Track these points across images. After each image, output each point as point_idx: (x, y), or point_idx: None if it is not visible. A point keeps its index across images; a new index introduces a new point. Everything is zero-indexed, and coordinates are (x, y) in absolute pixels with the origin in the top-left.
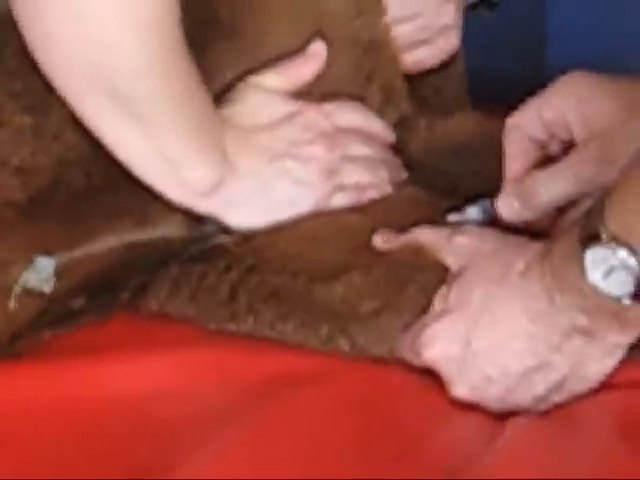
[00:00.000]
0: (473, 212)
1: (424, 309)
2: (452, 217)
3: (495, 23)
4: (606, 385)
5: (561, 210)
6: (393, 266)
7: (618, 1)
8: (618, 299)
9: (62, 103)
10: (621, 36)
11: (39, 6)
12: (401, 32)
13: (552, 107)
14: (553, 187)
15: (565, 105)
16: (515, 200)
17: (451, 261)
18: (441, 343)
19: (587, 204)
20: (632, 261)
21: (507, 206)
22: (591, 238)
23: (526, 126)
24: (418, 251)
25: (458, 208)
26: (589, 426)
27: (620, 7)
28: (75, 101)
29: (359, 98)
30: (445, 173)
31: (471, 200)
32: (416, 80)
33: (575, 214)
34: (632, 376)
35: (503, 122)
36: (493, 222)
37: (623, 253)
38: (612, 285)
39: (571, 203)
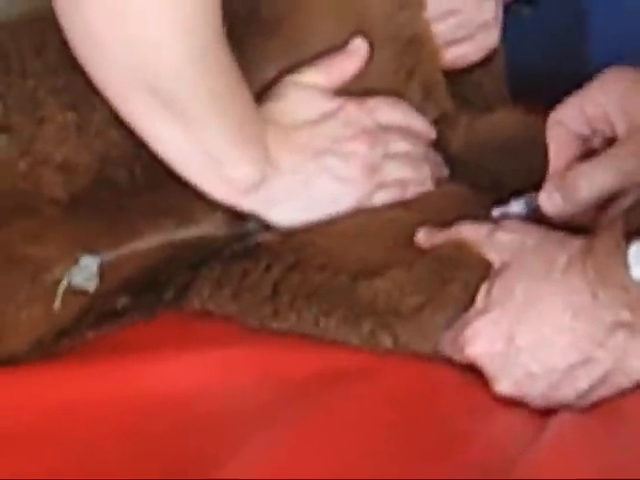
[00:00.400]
0: (517, 206)
1: (467, 305)
2: (496, 211)
3: (536, 20)
4: None
5: (601, 206)
6: (436, 262)
7: None
8: None
9: (104, 100)
10: None
11: (80, 4)
12: (441, 28)
13: (594, 102)
14: (594, 180)
15: (606, 100)
16: (557, 194)
17: (493, 257)
18: (484, 339)
19: (628, 200)
20: None
21: (549, 200)
22: (635, 233)
23: (569, 122)
24: (460, 247)
25: (502, 202)
26: (634, 421)
27: None
28: (117, 99)
29: (399, 94)
30: (487, 169)
31: (515, 195)
32: (456, 77)
33: (615, 210)
34: None
35: (545, 118)
36: (536, 217)
37: None
38: None
39: (611, 199)
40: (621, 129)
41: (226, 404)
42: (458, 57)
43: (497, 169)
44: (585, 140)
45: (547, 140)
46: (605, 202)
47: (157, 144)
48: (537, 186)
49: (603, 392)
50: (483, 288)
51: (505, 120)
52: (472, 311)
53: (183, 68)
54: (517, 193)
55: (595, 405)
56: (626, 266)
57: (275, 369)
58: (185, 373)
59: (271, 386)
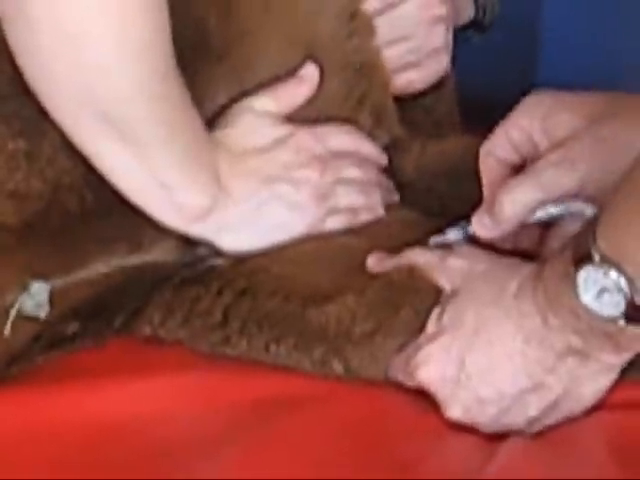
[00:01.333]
0: (453, 234)
1: (418, 331)
2: (433, 239)
3: (486, 46)
4: (600, 406)
5: (545, 230)
6: (387, 288)
7: (610, 24)
8: (611, 320)
9: (55, 127)
10: (613, 57)
11: (31, 30)
12: (391, 55)
13: (518, 127)
14: (516, 196)
15: (529, 123)
16: (486, 216)
17: (444, 282)
18: (435, 364)
19: (571, 225)
20: (623, 282)
21: (479, 223)
22: (583, 259)
23: (497, 151)
24: (412, 273)
25: (440, 231)
26: (583, 448)
27: (612, 29)
28: (68, 125)
29: (350, 121)
30: (437, 195)
31: (452, 222)
32: (407, 102)
33: (560, 233)
34: (626, 397)
35: None
36: (473, 242)
37: (615, 274)
38: (604, 306)
39: (555, 222)
40: (543, 147)
41: (178, 430)
42: (408, 83)
43: (446, 195)
44: (516, 167)
45: (481, 173)
46: (547, 227)
47: (107, 170)
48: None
49: (553, 418)
50: (434, 314)
51: (455, 146)
52: (423, 337)
53: (133, 94)
54: (453, 221)
55: (545, 431)
56: (575, 292)
57: (225, 396)
58: (136, 399)
59: (221, 413)
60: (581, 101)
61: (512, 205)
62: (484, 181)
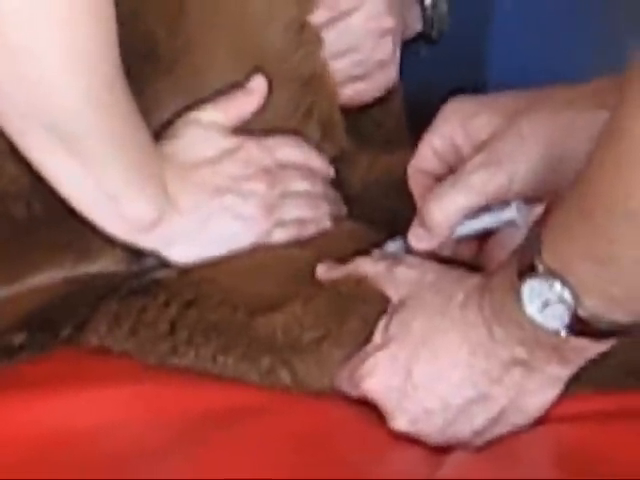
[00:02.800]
0: (393, 246)
1: (365, 340)
2: (375, 253)
3: (434, 58)
4: (546, 418)
5: (483, 240)
6: (334, 297)
7: (559, 38)
8: (555, 332)
9: (2, 136)
10: (562, 70)
11: None
12: (338, 67)
13: (440, 136)
14: (445, 202)
15: (451, 129)
16: (419, 228)
17: (392, 292)
18: (381, 374)
19: (507, 234)
20: (567, 294)
21: (414, 236)
22: (528, 271)
23: (423, 164)
24: (359, 282)
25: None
26: (528, 460)
27: (561, 43)
28: (15, 135)
29: (298, 133)
30: (384, 209)
31: (392, 236)
32: (355, 115)
33: (497, 242)
34: (572, 409)
35: None
36: (412, 254)
37: (558, 286)
38: (548, 318)
39: (491, 233)
40: (467, 152)
41: (123, 442)
42: (355, 95)
43: (394, 208)
44: (443, 178)
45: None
46: (485, 237)
47: (55, 180)
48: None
49: (499, 430)
50: (381, 324)
51: (403, 161)
52: (369, 346)
53: (80, 105)
54: (393, 235)
55: (491, 443)
56: (520, 304)
57: (172, 407)
58: (82, 410)
59: (168, 424)
60: (500, 101)
61: (441, 212)
62: (415, 196)
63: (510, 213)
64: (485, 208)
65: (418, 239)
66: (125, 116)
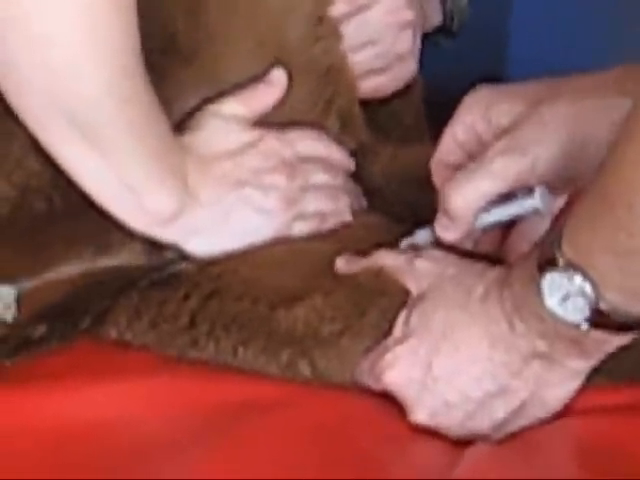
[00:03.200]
0: (422, 236)
1: (385, 333)
2: (403, 242)
3: (454, 51)
4: (566, 411)
5: (506, 231)
6: (354, 290)
7: (580, 28)
8: (575, 325)
9: (24, 130)
10: (580, 61)
11: (0, 33)
12: (357, 60)
13: (462, 126)
14: (466, 188)
15: (472, 119)
16: (443, 217)
17: (412, 285)
18: (402, 367)
19: (530, 224)
20: (587, 287)
21: (439, 225)
22: (548, 264)
23: (446, 156)
24: (379, 275)
25: (411, 233)
26: (548, 453)
27: (581, 33)
28: (36, 127)
29: (317, 125)
30: (406, 202)
31: (420, 225)
32: (374, 107)
33: (520, 232)
34: (592, 402)
35: None
36: (440, 245)
37: (579, 279)
38: (569, 311)
39: (514, 223)
40: (488, 139)
41: (143, 434)
42: (375, 88)
43: (416, 202)
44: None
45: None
46: (508, 228)
47: (75, 172)
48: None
49: (519, 423)
50: (401, 317)
51: (425, 153)
52: (390, 339)
53: (100, 95)
54: (422, 223)
55: (511, 437)
56: (540, 296)
57: (193, 399)
58: (102, 403)
59: (189, 416)
60: (522, 89)
61: (463, 198)
62: (439, 188)
63: (533, 201)
64: (508, 197)
65: (444, 228)
66: (145, 107)
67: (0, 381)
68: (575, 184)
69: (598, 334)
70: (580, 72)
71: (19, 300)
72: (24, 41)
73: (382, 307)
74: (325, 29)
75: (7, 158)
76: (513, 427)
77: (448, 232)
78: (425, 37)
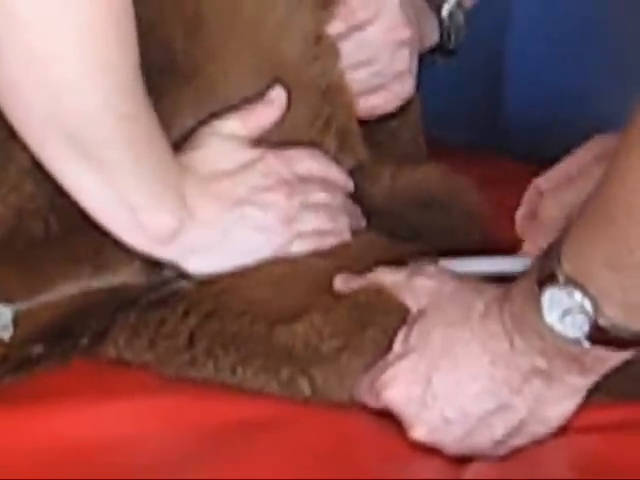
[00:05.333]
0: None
1: (385, 350)
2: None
3: (452, 69)
4: (565, 429)
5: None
6: (354, 307)
7: (576, 47)
8: (575, 341)
9: (20, 154)
10: (578, 79)
11: None
12: (355, 78)
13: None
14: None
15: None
16: None
17: (411, 302)
18: (401, 384)
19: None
20: (587, 303)
21: None
22: (548, 280)
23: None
24: (379, 292)
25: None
26: (548, 470)
27: (577, 52)
28: (35, 145)
29: (316, 145)
30: (407, 223)
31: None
32: (372, 126)
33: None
34: (591, 420)
35: (468, 177)
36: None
37: (579, 296)
38: (568, 327)
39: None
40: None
41: (141, 454)
42: (373, 107)
43: (417, 223)
44: None
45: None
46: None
47: (74, 190)
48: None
49: (519, 441)
50: (401, 334)
51: (428, 175)
52: (389, 356)
53: (100, 114)
54: (414, 248)
55: (511, 454)
56: (540, 313)
57: (191, 419)
58: (100, 422)
59: (187, 436)
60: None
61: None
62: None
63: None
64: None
65: None
66: (144, 125)
67: None
68: None
69: (598, 350)
70: (577, 91)
71: (16, 320)
72: (23, 59)
73: (381, 324)
74: (323, 48)
75: (3, 182)
76: (513, 444)
77: None
78: (422, 56)
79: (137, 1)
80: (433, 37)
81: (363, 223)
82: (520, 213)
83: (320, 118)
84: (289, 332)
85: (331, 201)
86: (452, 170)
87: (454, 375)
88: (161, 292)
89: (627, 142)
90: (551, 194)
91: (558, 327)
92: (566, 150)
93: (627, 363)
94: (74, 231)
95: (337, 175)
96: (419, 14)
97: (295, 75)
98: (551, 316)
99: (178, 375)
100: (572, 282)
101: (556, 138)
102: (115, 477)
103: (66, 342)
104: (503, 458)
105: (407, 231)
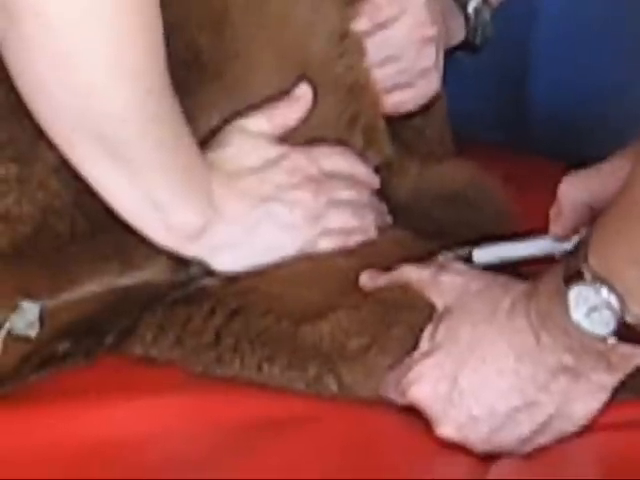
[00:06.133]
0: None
1: (411, 347)
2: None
3: (477, 66)
4: (592, 426)
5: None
6: (380, 305)
7: (601, 43)
8: (601, 338)
9: (49, 150)
10: (603, 77)
11: (26, 49)
12: (381, 75)
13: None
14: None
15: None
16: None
17: (437, 300)
18: (428, 381)
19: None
20: (614, 300)
21: None
22: (574, 276)
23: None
24: (405, 290)
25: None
26: (574, 469)
27: (603, 48)
28: (64, 145)
29: (342, 142)
30: (434, 219)
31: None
32: (398, 123)
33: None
34: (618, 417)
35: (493, 173)
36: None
37: (605, 292)
38: (595, 324)
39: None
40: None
41: (169, 451)
42: (399, 104)
43: (444, 219)
44: None
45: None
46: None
47: (102, 189)
48: (481, 236)
49: (546, 438)
50: (427, 331)
51: (455, 172)
52: (416, 354)
53: (127, 114)
54: (440, 244)
55: (537, 451)
56: (566, 310)
57: (218, 416)
58: (127, 419)
59: (214, 433)
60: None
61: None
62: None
63: (564, 245)
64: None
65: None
66: (171, 125)
67: (25, 398)
68: None
69: (624, 348)
70: (604, 87)
71: (42, 317)
72: (52, 61)
73: (408, 322)
74: (349, 45)
75: (30, 180)
76: (539, 441)
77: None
78: (448, 53)
79: (164, 3)
80: (459, 34)
81: (389, 220)
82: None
83: (346, 115)
84: (315, 330)
85: (357, 198)
86: (478, 167)
87: (481, 372)
88: (187, 289)
89: None
90: (573, 178)
91: (584, 324)
92: (590, 148)
93: None
94: (100, 229)
95: (363, 172)
96: (445, 11)
97: (321, 72)
98: (577, 313)
99: (204, 372)
100: (599, 279)
101: (581, 136)
102: (142, 475)
103: (92, 339)
104: (529, 456)
105: (433, 228)
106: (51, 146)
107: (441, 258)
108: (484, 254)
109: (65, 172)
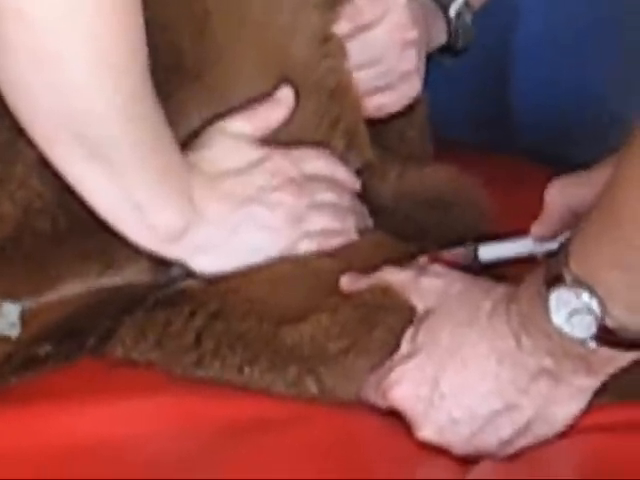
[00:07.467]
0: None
1: (392, 350)
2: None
3: (459, 70)
4: (572, 429)
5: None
6: (361, 307)
7: (585, 46)
8: (582, 342)
9: (29, 149)
10: (585, 79)
11: (7, 48)
12: (362, 78)
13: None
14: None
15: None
16: None
17: (418, 302)
18: (408, 384)
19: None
20: (594, 304)
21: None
22: (555, 280)
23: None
24: (385, 292)
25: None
26: (554, 471)
27: (587, 50)
28: (44, 144)
29: (324, 144)
30: (415, 222)
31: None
32: (379, 126)
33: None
34: (598, 420)
35: (475, 176)
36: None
37: (586, 296)
38: (575, 327)
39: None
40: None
41: (148, 453)
42: (380, 106)
43: (424, 222)
44: None
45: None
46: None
47: (82, 190)
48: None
49: (526, 441)
50: (408, 333)
51: (436, 175)
52: (396, 356)
53: (109, 114)
54: (421, 248)
55: (517, 454)
56: (547, 313)
57: (198, 418)
58: (107, 422)
59: (194, 435)
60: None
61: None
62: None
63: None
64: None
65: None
66: (152, 125)
67: (6, 400)
68: None
69: (605, 351)
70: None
71: (23, 318)
72: (32, 60)
73: (388, 324)
74: (331, 48)
75: (11, 178)
76: (519, 444)
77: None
78: (429, 56)
79: (146, 5)
80: (441, 37)
81: (370, 222)
82: None
83: (327, 118)
84: (296, 332)
85: (338, 201)
86: (459, 169)
87: (461, 375)
88: (168, 291)
89: (633, 148)
90: (559, 183)
91: (565, 327)
92: (573, 148)
93: (634, 364)
94: (81, 229)
95: (344, 175)
96: (426, 14)
97: (302, 75)
98: (558, 316)
99: (185, 375)
100: (579, 283)
101: (564, 138)
102: (121, 476)
103: (73, 341)
104: (509, 458)
105: (414, 230)
106: (31, 145)
107: (445, 254)
108: (490, 251)
109: (46, 171)
